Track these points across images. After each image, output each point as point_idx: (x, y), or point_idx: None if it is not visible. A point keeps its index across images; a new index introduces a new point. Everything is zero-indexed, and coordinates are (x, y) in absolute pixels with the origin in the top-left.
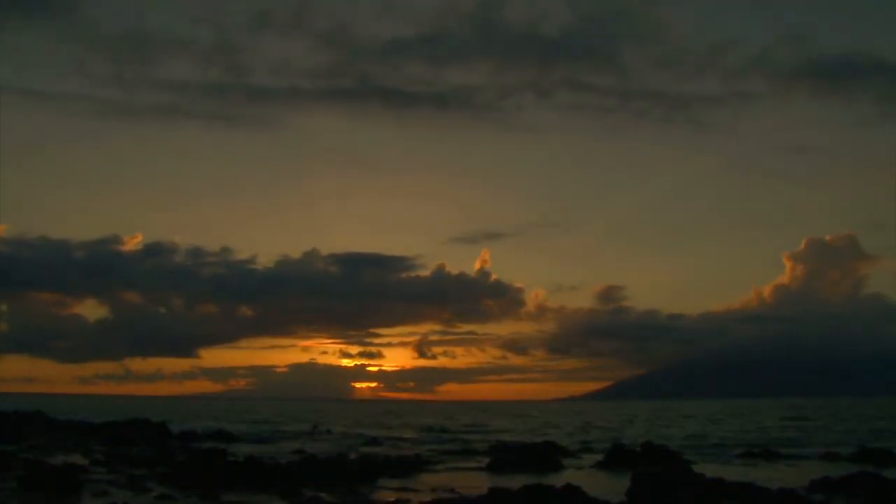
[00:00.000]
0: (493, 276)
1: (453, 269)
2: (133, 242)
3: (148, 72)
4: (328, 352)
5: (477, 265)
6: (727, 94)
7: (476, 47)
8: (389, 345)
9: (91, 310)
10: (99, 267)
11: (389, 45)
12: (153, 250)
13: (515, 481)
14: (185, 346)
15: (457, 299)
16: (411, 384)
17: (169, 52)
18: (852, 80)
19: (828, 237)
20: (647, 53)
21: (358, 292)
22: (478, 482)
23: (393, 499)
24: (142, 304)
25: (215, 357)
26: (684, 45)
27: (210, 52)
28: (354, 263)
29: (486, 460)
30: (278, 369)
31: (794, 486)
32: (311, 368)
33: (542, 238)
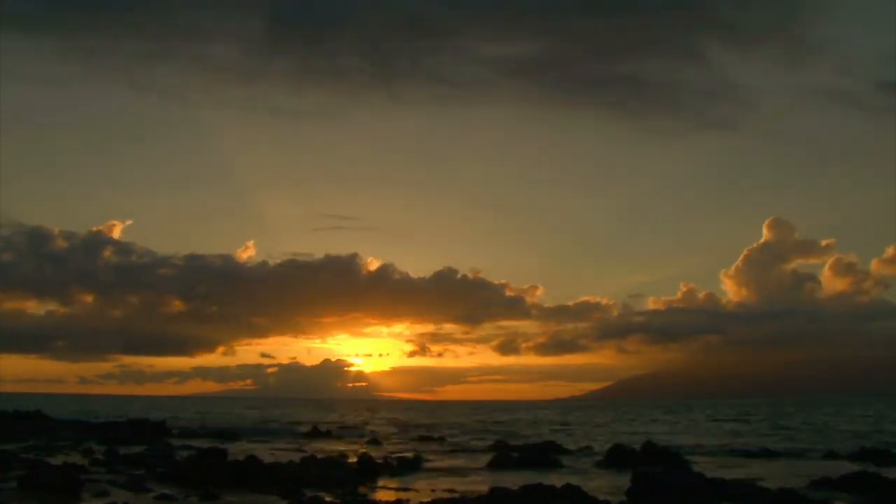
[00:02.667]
0: (481, 275)
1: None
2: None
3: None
4: (321, 352)
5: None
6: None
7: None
8: (385, 344)
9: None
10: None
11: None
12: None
13: (515, 481)
14: (182, 346)
15: (450, 298)
16: (407, 384)
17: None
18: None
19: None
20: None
21: (343, 292)
22: (478, 482)
23: (393, 499)
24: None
25: (214, 357)
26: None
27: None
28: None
29: (486, 460)
30: (270, 369)
31: (794, 486)
32: (308, 368)
33: (520, 234)
